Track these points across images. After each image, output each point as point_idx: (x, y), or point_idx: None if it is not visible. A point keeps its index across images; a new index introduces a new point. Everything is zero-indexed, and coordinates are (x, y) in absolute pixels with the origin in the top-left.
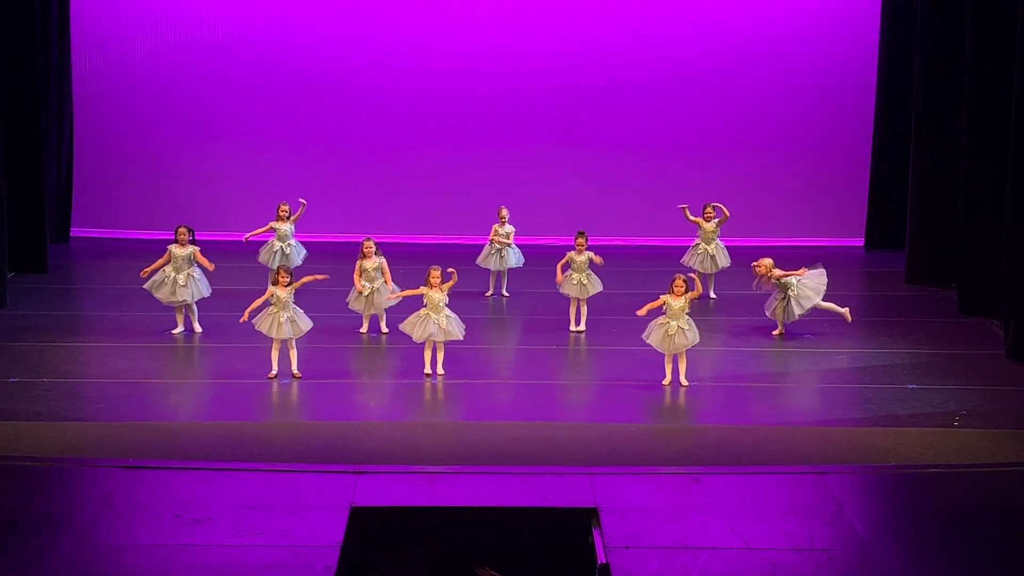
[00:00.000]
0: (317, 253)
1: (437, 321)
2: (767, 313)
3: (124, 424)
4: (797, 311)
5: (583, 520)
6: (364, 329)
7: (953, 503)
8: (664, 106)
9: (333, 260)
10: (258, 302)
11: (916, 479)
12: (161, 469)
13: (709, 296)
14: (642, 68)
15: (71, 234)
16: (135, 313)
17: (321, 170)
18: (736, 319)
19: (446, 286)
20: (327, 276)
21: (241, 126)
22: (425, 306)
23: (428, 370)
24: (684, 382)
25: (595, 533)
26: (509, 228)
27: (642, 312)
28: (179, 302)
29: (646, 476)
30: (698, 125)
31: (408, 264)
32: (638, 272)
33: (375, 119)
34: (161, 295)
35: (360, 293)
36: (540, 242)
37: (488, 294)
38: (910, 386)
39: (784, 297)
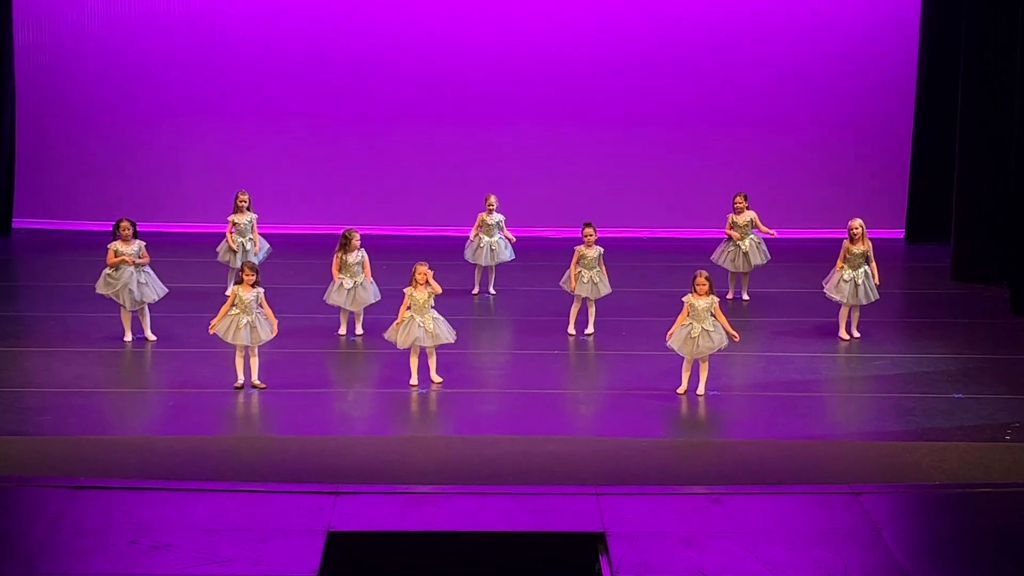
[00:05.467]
0: (287, 247)
1: (423, 324)
2: (830, 291)
3: (73, 439)
4: (863, 299)
5: (589, 546)
6: (343, 331)
7: (1004, 525)
8: (687, 87)
9: (305, 254)
10: (225, 308)
11: (963, 499)
12: (115, 489)
13: (741, 298)
14: (660, 44)
15: (12, 226)
16: (85, 314)
17: (291, 155)
18: (762, 320)
19: (433, 287)
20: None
21: (201, 107)
22: (409, 308)
23: (414, 380)
24: (701, 391)
25: (602, 561)
26: (498, 217)
27: (672, 333)
28: (141, 304)
29: (659, 497)
30: (725, 107)
31: (391, 258)
32: (651, 268)
33: (352, 99)
34: (125, 299)
35: (341, 287)
36: (539, 234)
37: (475, 292)
38: (956, 395)
39: (854, 278)
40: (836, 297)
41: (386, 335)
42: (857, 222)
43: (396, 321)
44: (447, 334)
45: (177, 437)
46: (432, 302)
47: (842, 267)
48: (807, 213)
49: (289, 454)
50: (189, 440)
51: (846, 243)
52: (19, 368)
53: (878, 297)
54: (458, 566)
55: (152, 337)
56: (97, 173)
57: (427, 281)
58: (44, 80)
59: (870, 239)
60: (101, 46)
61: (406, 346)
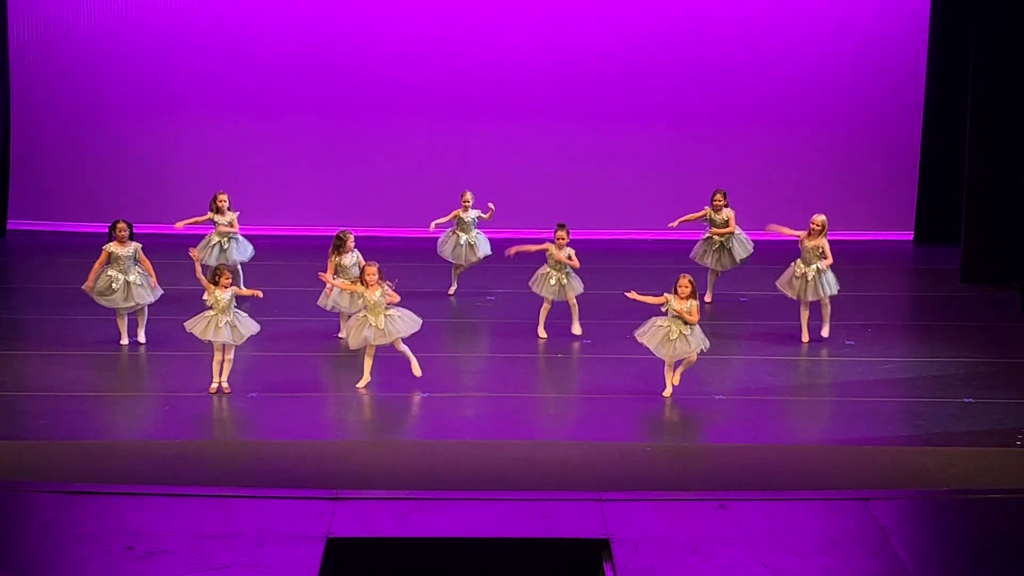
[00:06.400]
0: (281, 249)
1: (374, 323)
2: (781, 286)
3: (67, 443)
4: (811, 295)
5: (592, 553)
6: (343, 334)
7: (1014, 532)
8: (688, 83)
9: (297, 256)
10: (200, 275)
11: (972, 505)
12: (110, 495)
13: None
14: (663, 44)
15: (7, 227)
16: (80, 317)
17: (288, 156)
18: (767, 323)
19: (390, 295)
20: (260, 295)
21: (197, 107)
22: (364, 308)
23: (363, 384)
24: (675, 381)
25: (606, 567)
26: (474, 213)
27: (633, 295)
28: (135, 307)
29: (664, 502)
30: (731, 108)
31: (383, 260)
32: (655, 269)
33: (347, 98)
34: (112, 301)
35: (329, 293)
36: (535, 235)
37: (451, 292)
38: (966, 399)
39: (804, 273)
40: (789, 293)
41: (342, 333)
42: (819, 218)
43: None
44: (401, 327)
45: (173, 442)
46: (387, 299)
47: (796, 261)
48: (814, 215)
49: (288, 459)
50: (186, 445)
51: (802, 234)
52: (12, 371)
53: (833, 293)
54: (459, 573)
55: (142, 340)
56: (92, 174)
57: (377, 281)
58: (39, 80)
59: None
60: (96, 46)
61: (357, 347)
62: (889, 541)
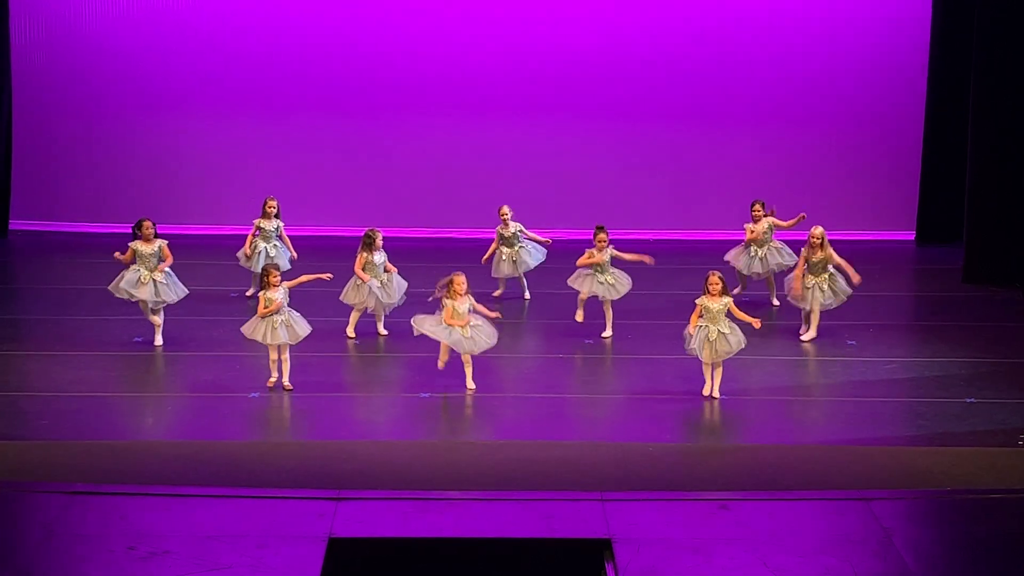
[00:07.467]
0: (297, 248)
1: (462, 332)
2: (794, 296)
3: (70, 443)
4: (826, 300)
5: (595, 553)
6: (351, 332)
7: (1017, 531)
8: (699, 86)
9: (316, 256)
10: (260, 311)
11: (975, 505)
12: (112, 495)
13: (772, 303)
14: (675, 42)
15: (10, 227)
16: (83, 317)
17: (295, 157)
18: (770, 323)
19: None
20: (331, 276)
21: (201, 107)
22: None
23: (445, 358)
24: (716, 394)
25: (608, 568)
26: (515, 226)
27: (692, 329)
28: (159, 303)
29: (666, 503)
30: (734, 109)
31: (406, 261)
32: (662, 270)
33: (366, 96)
34: (143, 294)
35: (360, 288)
36: (559, 235)
37: (526, 297)
38: (969, 399)
39: (817, 284)
40: (803, 305)
41: (425, 328)
42: (818, 231)
43: (439, 319)
44: (487, 342)
45: (176, 442)
46: (471, 309)
47: (804, 274)
48: (817, 215)
49: (290, 459)
50: (188, 445)
51: (805, 250)
52: (15, 371)
53: (843, 299)
54: (462, 573)
55: (159, 343)
56: (95, 174)
57: (466, 290)
58: (42, 80)
59: (832, 245)
60: (99, 45)
61: (455, 345)
62: (891, 541)
